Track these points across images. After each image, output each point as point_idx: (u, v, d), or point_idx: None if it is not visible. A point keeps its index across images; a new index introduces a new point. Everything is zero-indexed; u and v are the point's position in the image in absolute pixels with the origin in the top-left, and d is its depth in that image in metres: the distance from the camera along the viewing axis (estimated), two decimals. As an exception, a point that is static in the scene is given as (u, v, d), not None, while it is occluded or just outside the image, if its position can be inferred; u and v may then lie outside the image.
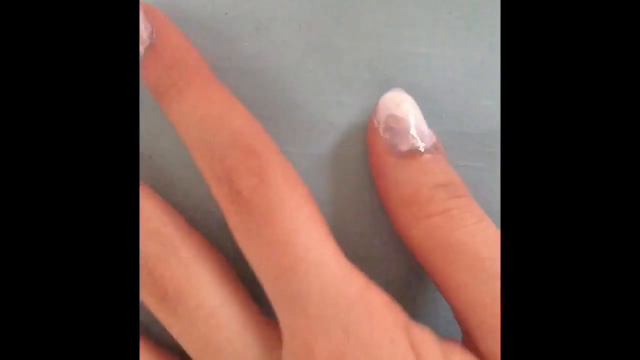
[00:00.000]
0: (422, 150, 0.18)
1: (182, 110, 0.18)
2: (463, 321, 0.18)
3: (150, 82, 0.19)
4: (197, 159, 0.19)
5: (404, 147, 0.18)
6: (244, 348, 0.18)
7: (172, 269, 0.18)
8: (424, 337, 0.17)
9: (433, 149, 0.19)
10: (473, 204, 0.18)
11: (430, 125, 0.19)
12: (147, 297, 0.18)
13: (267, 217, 0.17)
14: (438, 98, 0.20)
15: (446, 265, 0.18)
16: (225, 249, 0.20)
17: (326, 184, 0.20)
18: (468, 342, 0.18)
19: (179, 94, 0.18)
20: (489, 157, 0.21)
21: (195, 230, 0.20)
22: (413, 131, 0.19)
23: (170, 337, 0.19)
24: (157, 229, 0.19)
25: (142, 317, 0.21)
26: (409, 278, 0.21)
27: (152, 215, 0.19)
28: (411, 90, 0.20)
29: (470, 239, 0.18)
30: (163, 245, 0.18)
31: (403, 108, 0.19)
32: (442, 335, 0.18)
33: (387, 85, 0.20)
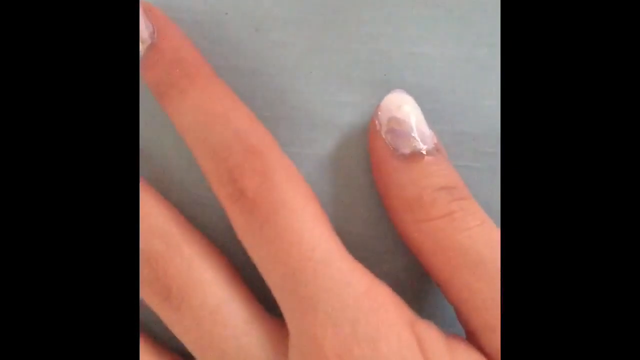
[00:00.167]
0: (424, 152, 0.18)
1: (183, 109, 0.18)
2: (466, 322, 0.18)
3: (151, 82, 0.19)
4: (199, 158, 0.19)
5: (405, 150, 0.18)
6: (249, 344, 0.18)
7: (176, 266, 0.18)
8: (430, 332, 0.18)
9: (434, 151, 0.19)
10: (475, 206, 0.19)
11: (430, 125, 0.19)
12: (149, 295, 0.18)
13: (272, 216, 0.17)
14: (438, 98, 0.20)
15: (449, 267, 0.18)
16: (224, 248, 0.20)
17: (325, 184, 0.20)
18: (472, 343, 0.18)
19: (181, 93, 0.18)
20: (489, 157, 0.21)
21: (196, 228, 0.20)
22: (415, 133, 0.19)
23: (171, 337, 0.19)
24: (160, 226, 0.19)
25: (142, 317, 0.21)
26: (410, 279, 0.21)
27: (154, 213, 0.19)
28: (411, 90, 0.20)
29: (473, 241, 0.18)
30: (166, 242, 0.18)
31: (405, 110, 0.19)
32: (444, 335, 0.18)
33: (387, 85, 0.20)
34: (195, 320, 0.18)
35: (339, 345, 0.17)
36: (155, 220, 0.19)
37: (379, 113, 0.19)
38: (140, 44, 0.19)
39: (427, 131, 0.19)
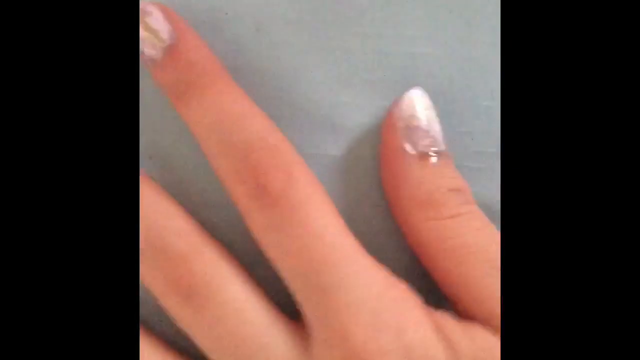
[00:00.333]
0: (438, 153, 0.19)
1: (202, 110, 0.19)
2: (472, 317, 0.19)
3: (167, 83, 0.19)
4: (217, 157, 0.19)
5: (421, 148, 0.19)
6: (273, 342, 0.18)
7: (200, 265, 0.18)
8: (445, 318, 0.18)
9: (444, 153, 0.19)
10: (479, 212, 0.19)
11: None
12: (168, 295, 0.18)
13: (296, 212, 0.18)
14: (438, 98, 0.20)
15: (455, 265, 0.19)
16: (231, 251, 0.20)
17: (325, 183, 0.20)
18: None
19: (199, 94, 0.19)
20: (489, 157, 0.21)
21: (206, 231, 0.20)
22: (432, 133, 0.19)
23: (173, 339, 0.19)
24: (179, 226, 0.19)
25: (143, 317, 0.21)
26: (411, 278, 0.21)
27: (171, 214, 0.19)
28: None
29: (479, 241, 0.19)
30: (187, 243, 0.18)
31: (426, 109, 0.19)
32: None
33: (387, 85, 0.20)
34: (219, 318, 0.18)
35: (365, 334, 0.17)
36: (174, 221, 0.19)
37: (399, 109, 0.19)
38: (157, 45, 0.19)
39: (440, 133, 0.19)
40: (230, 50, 0.20)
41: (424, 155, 0.19)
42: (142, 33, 0.19)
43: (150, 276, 0.18)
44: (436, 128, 0.19)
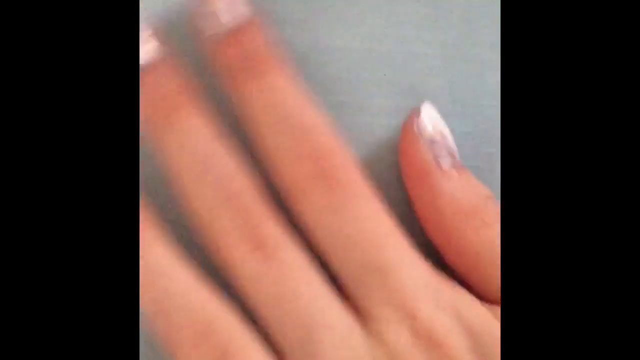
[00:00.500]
0: (457, 164, 0.20)
1: (261, 89, 0.19)
2: None
3: (229, 60, 0.19)
4: (270, 138, 0.19)
5: (446, 160, 0.19)
6: (330, 306, 0.18)
7: (271, 222, 0.19)
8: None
9: (460, 163, 0.20)
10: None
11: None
12: (236, 246, 0.18)
13: (356, 196, 0.19)
14: (438, 98, 0.20)
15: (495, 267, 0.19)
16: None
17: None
18: None
19: (262, 73, 0.19)
20: (489, 157, 0.21)
21: None
22: (451, 145, 0.20)
23: None
24: (241, 191, 0.19)
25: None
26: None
27: (243, 188, 0.19)
28: (411, 90, 0.20)
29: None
30: (261, 203, 0.19)
31: (441, 123, 0.20)
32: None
33: (387, 85, 0.20)
34: (284, 274, 0.18)
35: (429, 311, 0.18)
36: (236, 185, 0.19)
37: (421, 123, 0.20)
38: (230, 16, 0.19)
39: (454, 145, 0.20)
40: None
41: (454, 166, 0.19)
42: (218, 4, 0.19)
43: (220, 225, 0.19)
44: (452, 140, 0.20)
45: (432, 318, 0.18)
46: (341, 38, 0.20)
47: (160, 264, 0.19)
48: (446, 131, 0.20)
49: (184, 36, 0.20)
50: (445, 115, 0.20)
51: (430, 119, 0.20)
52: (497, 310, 0.19)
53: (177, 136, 0.19)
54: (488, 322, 0.18)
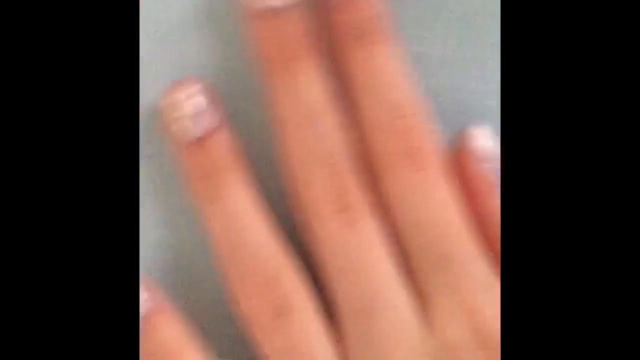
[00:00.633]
0: None
1: (367, 59, 0.19)
2: None
3: (343, 25, 0.19)
4: (372, 107, 0.19)
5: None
6: (396, 288, 0.19)
7: (360, 191, 0.19)
8: None
9: None
10: None
11: (432, 124, 0.19)
12: (323, 205, 0.19)
13: (441, 178, 0.19)
14: (438, 98, 0.20)
15: None
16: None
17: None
18: None
19: (373, 44, 0.19)
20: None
21: None
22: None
23: None
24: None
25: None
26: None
27: (342, 151, 0.19)
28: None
29: None
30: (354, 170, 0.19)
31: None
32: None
33: (387, 85, 0.20)
34: (361, 243, 0.19)
35: (491, 310, 0.18)
36: (336, 145, 0.19)
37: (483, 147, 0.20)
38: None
39: None
40: (230, 51, 0.20)
41: None
42: None
43: (311, 181, 0.19)
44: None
45: (491, 317, 0.18)
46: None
47: (238, 208, 0.19)
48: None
49: None
50: (445, 115, 0.20)
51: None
52: None
53: (294, 84, 0.19)
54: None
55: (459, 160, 0.20)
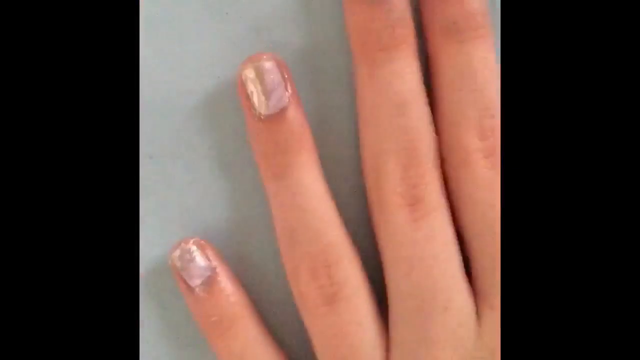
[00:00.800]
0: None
1: (473, 54, 0.19)
2: None
3: (443, 18, 0.19)
4: (457, 103, 0.19)
5: None
6: (459, 290, 0.19)
7: (434, 186, 0.19)
8: None
9: None
10: None
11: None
12: (395, 195, 0.19)
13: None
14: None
15: None
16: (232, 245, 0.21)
17: (335, 184, 0.20)
18: None
19: (471, 39, 0.19)
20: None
21: None
22: None
23: None
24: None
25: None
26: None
27: (423, 143, 0.19)
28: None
29: None
30: (432, 164, 0.19)
31: None
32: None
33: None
34: (428, 238, 0.19)
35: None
36: (419, 138, 0.19)
37: None
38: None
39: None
40: (230, 51, 0.20)
41: None
42: None
43: (388, 170, 0.19)
44: None
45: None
46: (342, 38, 0.20)
47: (302, 189, 0.19)
48: None
49: None
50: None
51: None
52: None
53: (385, 71, 0.19)
54: None
55: None
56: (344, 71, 0.20)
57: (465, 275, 0.19)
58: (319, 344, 0.19)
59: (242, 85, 0.19)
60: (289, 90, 0.19)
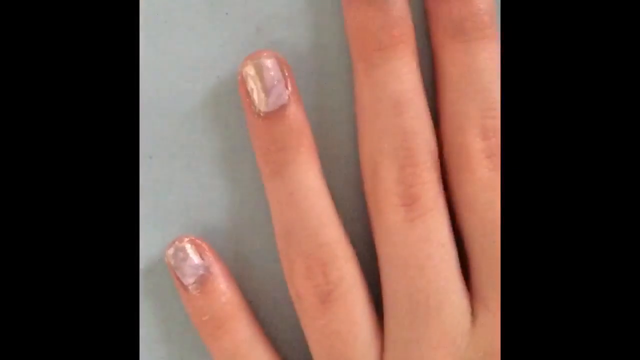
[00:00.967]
0: None
1: (478, 54, 0.19)
2: None
3: (449, 17, 0.19)
4: (460, 103, 0.19)
5: None
6: (454, 291, 0.19)
7: (431, 185, 0.19)
8: None
9: None
10: None
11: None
12: (393, 194, 0.19)
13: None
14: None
15: None
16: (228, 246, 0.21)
17: (334, 184, 0.20)
18: None
19: (476, 40, 0.19)
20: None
21: None
22: None
23: None
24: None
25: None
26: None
27: (421, 144, 0.19)
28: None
29: None
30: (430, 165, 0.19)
31: None
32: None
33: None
34: (423, 238, 0.19)
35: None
36: (416, 139, 0.19)
37: None
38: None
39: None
40: (230, 51, 0.20)
41: None
42: None
43: (385, 170, 0.19)
44: None
45: None
46: (341, 38, 0.20)
47: (300, 187, 0.19)
48: None
49: None
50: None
51: None
52: None
53: (384, 71, 0.19)
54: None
55: None
56: (345, 71, 0.20)
57: (461, 276, 0.19)
58: (314, 343, 0.19)
59: (243, 82, 0.19)
60: (289, 88, 0.19)
